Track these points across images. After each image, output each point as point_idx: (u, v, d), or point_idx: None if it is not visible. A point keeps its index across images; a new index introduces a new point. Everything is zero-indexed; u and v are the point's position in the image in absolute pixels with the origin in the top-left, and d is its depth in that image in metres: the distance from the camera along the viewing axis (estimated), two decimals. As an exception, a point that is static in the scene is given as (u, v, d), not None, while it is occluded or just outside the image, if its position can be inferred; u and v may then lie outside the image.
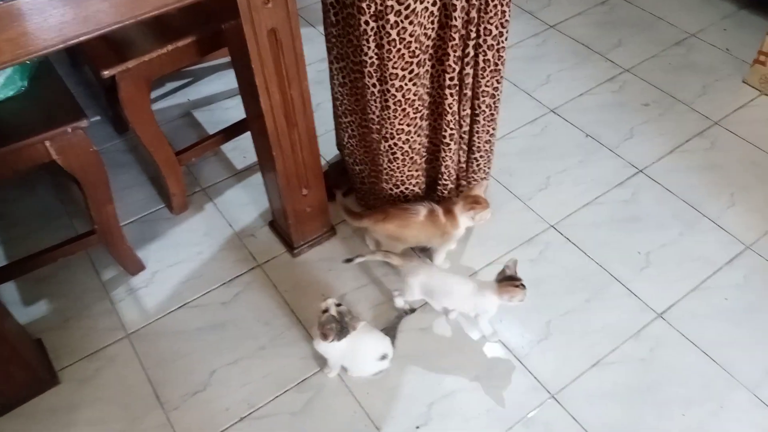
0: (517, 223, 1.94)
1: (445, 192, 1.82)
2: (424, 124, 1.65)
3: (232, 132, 2.01)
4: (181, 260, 1.87)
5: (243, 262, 1.86)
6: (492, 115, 1.74)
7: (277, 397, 1.58)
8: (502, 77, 1.65)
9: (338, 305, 1.46)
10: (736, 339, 1.64)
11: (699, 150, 2.13)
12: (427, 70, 1.54)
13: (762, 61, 2.27)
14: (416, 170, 1.74)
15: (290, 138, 1.57)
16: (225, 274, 1.83)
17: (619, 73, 2.43)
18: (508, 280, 1.53)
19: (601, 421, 1.51)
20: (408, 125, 1.60)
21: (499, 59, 1.59)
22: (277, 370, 1.62)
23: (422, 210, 1.69)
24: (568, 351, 1.64)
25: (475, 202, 1.67)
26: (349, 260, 1.72)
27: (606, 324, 1.68)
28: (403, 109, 1.56)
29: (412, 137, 1.63)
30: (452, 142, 1.69)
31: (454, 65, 1.52)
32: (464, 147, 1.78)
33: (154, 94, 2.40)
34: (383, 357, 1.55)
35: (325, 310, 1.45)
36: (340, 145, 1.89)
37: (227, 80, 2.44)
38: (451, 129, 1.66)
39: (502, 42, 1.56)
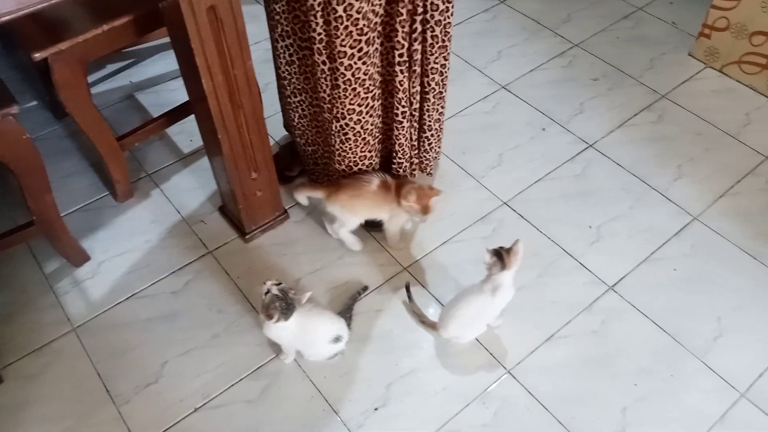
0: (470, 201, 1.94)
1: (400, 170, 1.80)
2: (377, 104, 1.62)
3: (177, 114, 1.94)
4: (127, 249, 1.81)
5: (193, 249, 1.81)
6: (441, 93, 1.72)
7: (232, 385, 1.55)
8: (449, 53, 1.63)
9: (278, 284, 1.43)
10: (684, 308, 1.68)
11: (647, 123, 2.16)
12: (376, 48, 1.50)
13: (707, 34, 2.31)
14: (369, 150, 1.71)
15: (236, 120, 1.52)
16: (174, 263, 1.78)
17: (569, 48, 2.44)
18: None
19: (556, 394, 1.53)
20: (359, 105, 1.57)
21: (446, 35, 1.57)
22: (231, 359, 1.59)
23: (375, 180, 1.68)
24: (522, 326, 1.65)
25: (418, 197, 1.65)
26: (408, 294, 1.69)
27: (559, 298, 1.70)
28: (354, 89, 1.52)
29: (364, 117, 1.61)
30: (405, 120, 1.67)
31: (403, 41, 1.49)
32: (415, 125, 1.76)
33: (93, 77, 2.30)
34: (337, 339, 1.54)
35: (267, 292, 1.42)
36: (288, 126, 1.84)
37: (171, 60, 2.35)
38: (403, 107, 1.64)
39: (449, 18, 1.54)
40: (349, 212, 1.70)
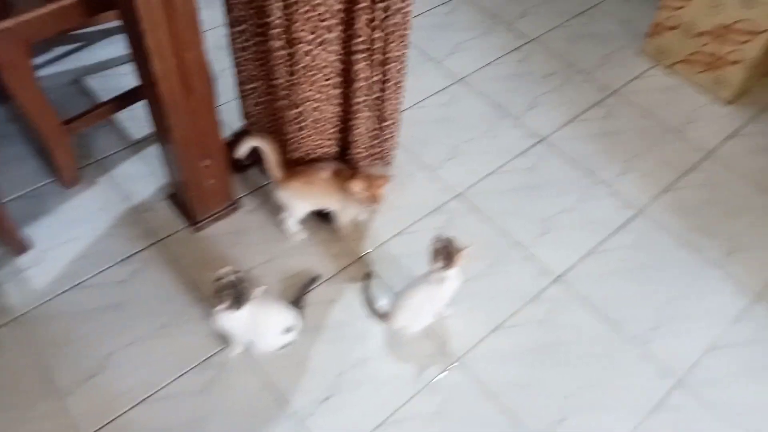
0: (425, 192, 1.96)
1: (358, 160, 1.80)
2: (336, 92, 1.62)
3: (126, 99, 1.90)
4: (73, 237, 1.76)
5: (141, 238, 1.78)
6: (400, 82, 1.72)
7: (179, 376, 1.53)
8: (408, 42, 1.63)
9: (235, 272, 1.42)
10: (627, 298, 1.74)
11: (596, 119, 2.21)
12: (338, 36, 1.49)
13: (656, 33, 2.37)
14: (327, 138, 1.70)
15: (188, 105, 1.50)
16: (121, 251, 1.74)
17: (524, 43, 2.47)
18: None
19: (503, 382, 1.57)
20: (318, 92, 1.56)
21: (405, 23, 1.57)
22: (179, 349, 1.57)
23: (329, 168, 1.67)
24: (472, 316, 1.68)
25: (367, 184, 1.64)
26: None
27: (508, 288, 1.74)
28: (312, 75, 1.51)
29: (323, 105, 1.60)
30: (364, 110, 1.67)
31: (364, 29, 1.48)
32: (375, 115, 1.76)
33: (40, 59, 2.23)
34: (289, 329, 1.54)
35: (221, 278, 1.40)
36: (245, 114, 1.82)
37: (122, 45, 2.29)
38: (363, 96, 1.63)
39: (409, 6, 1.54)
40: (300, 199, 1.70)
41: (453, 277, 1.52)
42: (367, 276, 1.72)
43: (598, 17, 2.60)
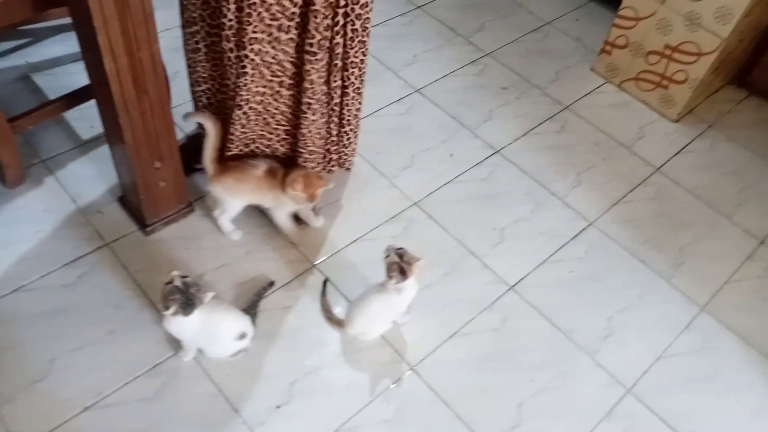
0: (382, 201, 1.96)
1: (309, 164, 1.78)
2: (285, 92, 1.60)
3: (76, 98, 1.83)
4: (16, 240, 1.69)
5: (88, 240, 1.71)
6: (359, 88, 1.73)
7: (126, 384, 1.48)
8: (368, 49, 1.64)
9: (184, 277, 1.38)
10: (579, 308, 1.77)
11: (550, 132, 2.26)
12: (291, 38, 1.48)
13: (608, 50, 2.44)
14: (276, 137, 1.68)
15: (140, 106, 1.46)
16: (67, 254, 1.68)
17: (481, 57, 2.51)
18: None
19: (457, 390, 1.57)
20: (264, 87, 1.55)
21: (365, 30, 1.58)
22: (127, 356, 1.52)
23: (263, 165, 1.66)
24: (427, 323, 1.68)
25: (304, 186, 1.63)
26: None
27: (463, 297, 1.75)
28: (260, 72, 1.50)
29: (267, 99, 1.58)
30: (309, 112, 1.64)
31: (314, 32, 1.47)
32: (335, 120, 1.76)
33: (-16, 55, 2.14)
34: (242, 336, 1.50)
35: (169, 282, 1.37)
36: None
37: (72, 42, 2.21)
38: (309, 98, 1.62)
39: (368, 12, 1.55)
40: (231, 195, 1.68)
41: (409, 287, 1.52)
42: (324, 283, 1.70)
43: (553, 34, 2.67)
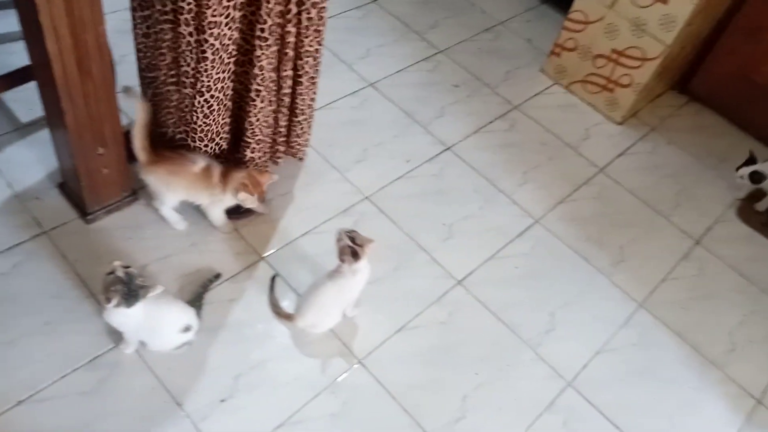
0: (334, 194, 1.95)
1: (252, 155, 1.75)
2: (239, 69, 1.57)
3: (14, 79, 1.75)
4: (-55, 225, 1.61)
5: (25, 228, 1.65)
6: (313, 78, 1.72)
7: (64, 377, 1.43)
8: (323, 38, 1.63)
9: (126, 267, 1.35)
10: (523, 302, 1.81)
11: (500, 131, 2.30)
12: (244, 15, 1.46)
13: (557, 53, 2.50)
14: (225, 123, 1.65)
15: (83, 89, 1.41)
16: (2, 242, 1.61)
17: (434, 54, 2.53)
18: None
19: (404, 383, 1.58)
20: (223, 71, 1.52)
21: (320, 19, 1.56)
22: (65, 348, 1.47)
23: (200, 162, 1.62)
24: (375, 317, 1.69)
25: (252, 186, 1.61)
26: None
27: (411, 291, 1.76)
28: (220, 57, 1.47)
29: (226, 84, 1.55)
30: (258, 99, 1.61)
31: (266, 17, 1.45)
32: (284, 110, 1.74)
33: None
34: (186, 329, 1.47)
35: (111, 272, 1.33)
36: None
37: (12, 20, 2.12)
38: (258, 84, 1.59)
39: (324, 2, 1.53)
40: (164, 187, 1.64)
41: (362, 269, 1.52)
42: (272, 279, 1.68)
43: (504, 34, 2.71)
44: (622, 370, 1.73)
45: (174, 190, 1.65)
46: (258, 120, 1.67)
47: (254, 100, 1.62)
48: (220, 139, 1.67)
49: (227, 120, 1.65)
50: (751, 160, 2.20)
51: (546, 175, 2.18)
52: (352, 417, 1.51)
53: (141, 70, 1.60)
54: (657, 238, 2.08)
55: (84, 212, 1.68)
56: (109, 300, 1.31)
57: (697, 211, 2.20)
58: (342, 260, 1.49)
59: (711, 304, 1.94)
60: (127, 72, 1.83)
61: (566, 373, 1.69)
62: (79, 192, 1.64)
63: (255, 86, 1.59)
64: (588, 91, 2.47)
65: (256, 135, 1.70)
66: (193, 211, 1.77)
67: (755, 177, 2.17)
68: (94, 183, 1.62)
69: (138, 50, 1.56)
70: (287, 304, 1.65)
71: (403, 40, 2.55)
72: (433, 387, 1.60)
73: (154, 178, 1.62)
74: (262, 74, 1.56)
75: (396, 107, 2.27)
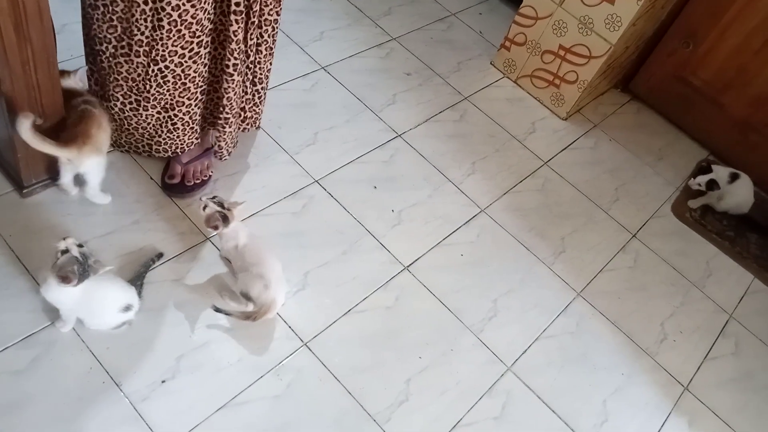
0: (283, 176, 1.93)
1: (227, 126, 1.73)
2: (204, 51, 1.54)
3: (-56, 43, 1.65)
4: None
5: (-46, 199, 1.57)
6: (271, 47, 1.72)
7: (-6, 355, 1.37)
8: (281, 9, 1.63)
9: (80, 246, 1.30)
10: (467, 289, 1.85)
11: (450, 121, 2.33)
12: None
13: (507, 46, 2.54)
14: (188, 98, 1.61)
15: (21, 55, 1.34)
16: (-72, 214, 1.53)
17: (387, 41, 2.53)
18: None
19: (349, 366, 1.59)
20: (183, 48, 1.48)
21: None
22: (-4, 325, 1.41)
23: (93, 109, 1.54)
24: (322, 300, 1.69)
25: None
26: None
27: (359, 275, 1.77)
28: (179, 30, 1.44)
29: (186, 62, 1.52)
30: (236, 73, 1.62)
31: None
32: (250, 77, 1.72)
33: None
34: (127, 308, 1.44)
35: (65, 251, 1.28)
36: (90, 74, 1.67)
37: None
38: (235, 59, 1.58)
39: None
40: (101, 155, 1.57)
41: (240, 229, 1.59)
42: (217, 310, 1.56)
43: (457, 25, 2.74)
44: (559, 356, 1.80)
45: (102, 149, 1.57)
46: (235, 93, 1.66)
47: (231, 75, 1.61)
48: (179, 111, 1.63)
49: (186, 98, 1.61)
50: (707, 169, 2.31)
51: (493, 165, 2.23)
52: (296, 399, 1.51)
53: (87, 41, 1.54)
54: (596, 231, 2.16)
55: (20, 185, 1.60)
56: (67, 280, 1.27)
57: (635, 206, 2.29)
58: (214, 227, 1.54)
59: (645, 295, 2.03)
60: (68, 42, 1.77)
61: (506, 358, 1.74)
62: (15, 164, 1.56)
63: (232, 61, 1.58)
64: (535, 86, 2.52)
65: (233, 108, 1.70)
66: (137, 188, 1.72)
67: (712, 185, 2.28)
68: (31, 155, 1.54)
69: (84, 20, 1.50)
70: (235, 305, 1.59)
71: (357, 25, 2.54)
72: (378, 370, 1.61)
73: (95, 155, 1.54)
74: (239, 47, 1.56)
75: (348, 92, 2.26)
